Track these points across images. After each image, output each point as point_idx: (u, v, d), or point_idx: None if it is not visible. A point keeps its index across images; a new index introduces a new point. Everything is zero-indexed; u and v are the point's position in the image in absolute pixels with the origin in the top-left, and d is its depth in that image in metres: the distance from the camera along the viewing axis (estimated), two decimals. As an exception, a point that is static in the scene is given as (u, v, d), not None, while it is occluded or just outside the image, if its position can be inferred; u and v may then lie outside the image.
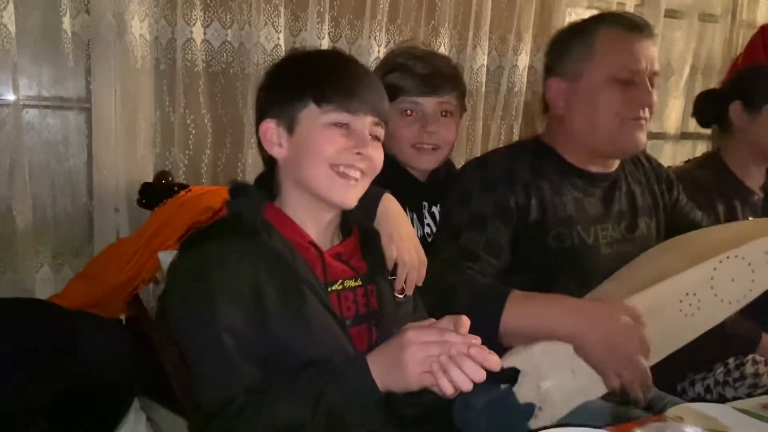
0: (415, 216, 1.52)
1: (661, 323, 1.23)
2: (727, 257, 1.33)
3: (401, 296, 1.11)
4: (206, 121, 2.00)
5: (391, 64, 1.55)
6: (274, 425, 0.90)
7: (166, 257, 1.63)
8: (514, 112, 2.49)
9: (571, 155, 1.45)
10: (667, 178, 1.58)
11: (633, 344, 1.17)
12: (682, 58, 2.81)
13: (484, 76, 2.38)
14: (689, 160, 2.02)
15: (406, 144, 1.50)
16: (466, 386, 0.86)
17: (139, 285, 1.73)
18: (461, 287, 1.25)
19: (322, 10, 2.06)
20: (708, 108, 1.87)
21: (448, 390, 0.87)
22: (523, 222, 1.36)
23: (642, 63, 1.37)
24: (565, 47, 1.44)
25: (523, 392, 1.19)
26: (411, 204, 1.50)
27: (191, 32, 1.93)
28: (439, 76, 1.51)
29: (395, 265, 1.13)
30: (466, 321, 0.92)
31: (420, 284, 1.18)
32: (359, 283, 1.06)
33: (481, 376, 0.87)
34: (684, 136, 2.90)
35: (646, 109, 1.38)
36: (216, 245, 0.97)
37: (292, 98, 1.00)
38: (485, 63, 2.38)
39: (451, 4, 2.28)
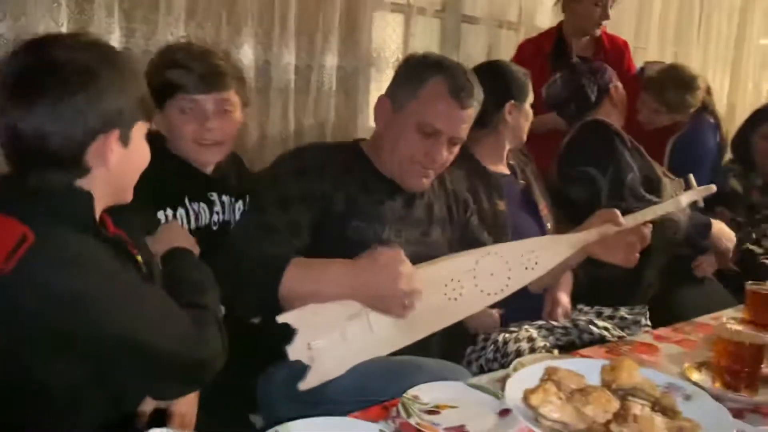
0: (205, 206, 1.56)
1: (426, 301, 1.35)
2: (488, 253, 1.48)
3: None
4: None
5: (168, 60, 1.54)
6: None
7: None
8: (325, 111, 2.53)
9: (381, 166, 1.58)
10: (464, 201, 1.76)
11: (403, 279, 1.29)
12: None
13: (293, 73, 2.40)
14: None
15: (188, 140, 1.53)
16: None
17: None
18: (248, 255, 1.36)
19: (110, 2, 1.96)
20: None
21: None
22: (325, 210, 1.47)
23: (448, 127, 1.52)
24: (402, 77, 1.57)
25: (293, 349, 1.27)
26: (199, 195, 1.55)
27: (-42, 22, 1.76)
28: (217, 75, 1.53)
29: None
30: None
31: None
32: None
33: None
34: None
35: (435, 164, 1.55)
36: None
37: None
38: (293, 61, 2.39)
39: (254, 2, 2.26)
